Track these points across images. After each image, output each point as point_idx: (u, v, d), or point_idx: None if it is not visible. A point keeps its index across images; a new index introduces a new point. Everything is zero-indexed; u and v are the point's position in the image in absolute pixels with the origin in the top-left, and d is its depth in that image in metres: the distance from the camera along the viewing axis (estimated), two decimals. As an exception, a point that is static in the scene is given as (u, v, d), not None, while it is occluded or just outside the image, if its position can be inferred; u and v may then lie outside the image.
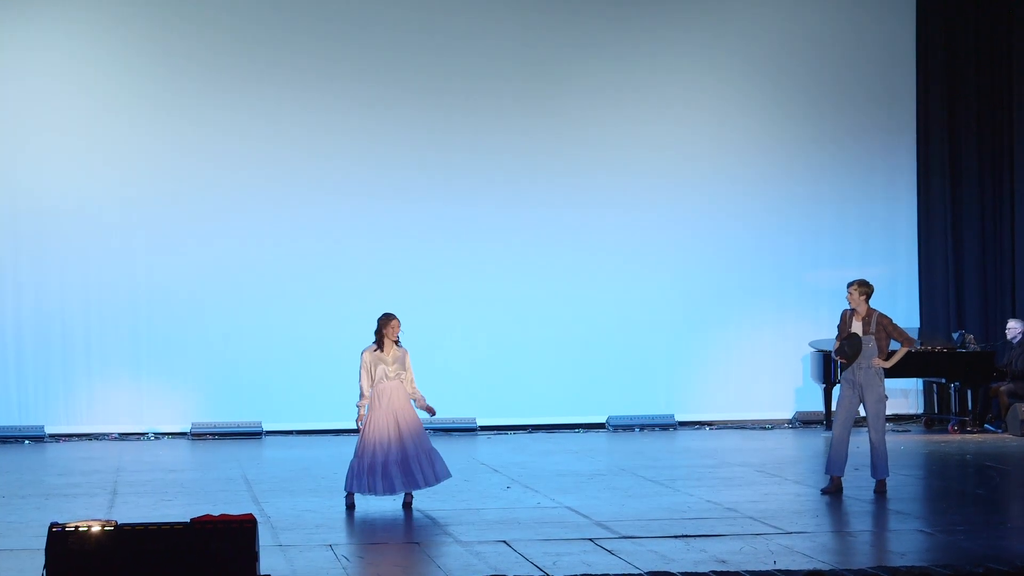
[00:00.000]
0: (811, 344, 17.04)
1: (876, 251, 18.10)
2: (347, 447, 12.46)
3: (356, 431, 11.14)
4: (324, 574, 8.43)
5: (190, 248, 16.74)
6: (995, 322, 17.91)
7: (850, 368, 11.49)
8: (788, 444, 15.83)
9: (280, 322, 16.85)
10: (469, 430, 16.92)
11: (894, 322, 11.64)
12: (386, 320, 10.93)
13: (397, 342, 10.96)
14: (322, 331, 16.60)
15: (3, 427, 16.21)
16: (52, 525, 7.48)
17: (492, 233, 17.35)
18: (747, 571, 8.24)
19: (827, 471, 11.63)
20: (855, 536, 9.86)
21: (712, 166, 17.79)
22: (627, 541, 9.30)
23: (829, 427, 15.82)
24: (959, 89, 18.15)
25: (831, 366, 16.42)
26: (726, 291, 17.75)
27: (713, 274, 17.74)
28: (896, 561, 8.65)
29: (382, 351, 10.90)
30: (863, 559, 8.90)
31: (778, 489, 11.85)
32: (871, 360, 11.43)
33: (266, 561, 8.26)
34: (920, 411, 17.97)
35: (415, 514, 10.57)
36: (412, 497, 10.90)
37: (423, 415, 11.08)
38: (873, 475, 11.54)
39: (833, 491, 11.44)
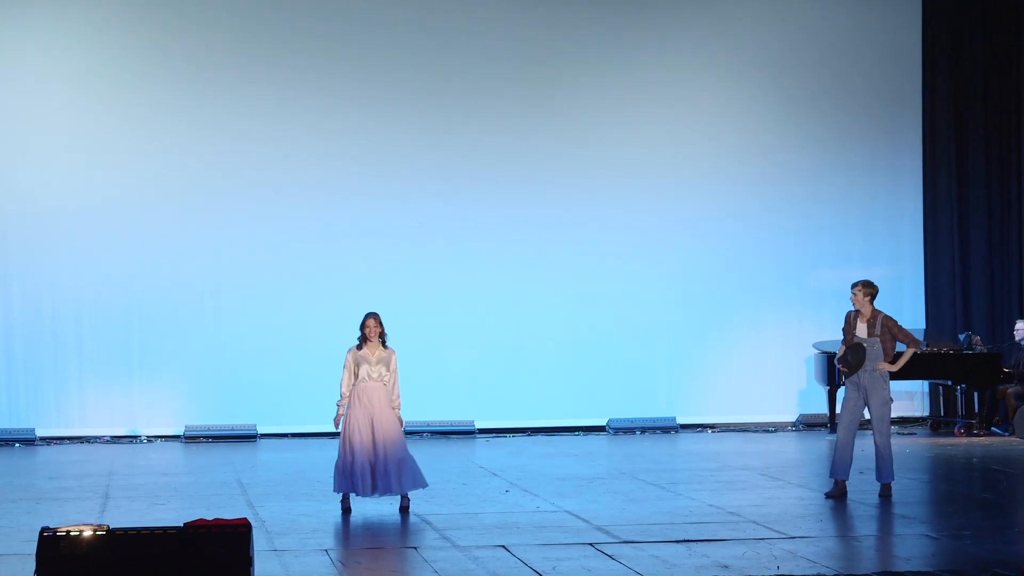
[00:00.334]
0: (815, 345, 17.04)
1: (881, 251, 18.10)
2: (343, 450, 12.45)
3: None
4: (320, 579, 8.44)
5: (183, 248, 16.74)
6: (1002, 323, 17.92)
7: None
8: (791, 447, 15.83)
9: (275, 323, 16.86)
10: (467, 433, 16.92)
11: (899, 324, 11.65)
12: (364, 319, 10.96)
13: (384, 343, 10.94)
14: (318, 332, 16.59)
15: (-7, 430, 16.25)
16: (43, 529, 7.48)
17: (491, 233, 17.35)
18: (750, 576, 8.27)
19: (831, 475, 11.64)
20: (860, 541, 9.86)
21: (713, 166, 17.80)
22: (628, 546, 9.30)
23: (833, 430, 15.82)
24: (965, 86, 18.15)
25: (835, 368, 16.42)
26: (728, 292, 17.75)
27: (715, 274, 17.75)
28: (901, 566, 8.66)
29: (366, 351, 10.91)
30: (868, 564, 8.91)
31: (781, 493, 11.86)
32: (877, 363, 11.44)
33: (260, 566, 8.26)
34: (926, 414, 17.98)
35: (412, 518, 10.58)
36: (408, 501, 10.90)
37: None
38: (878, 479, 11.55)
39: (837, 495, 11.45)
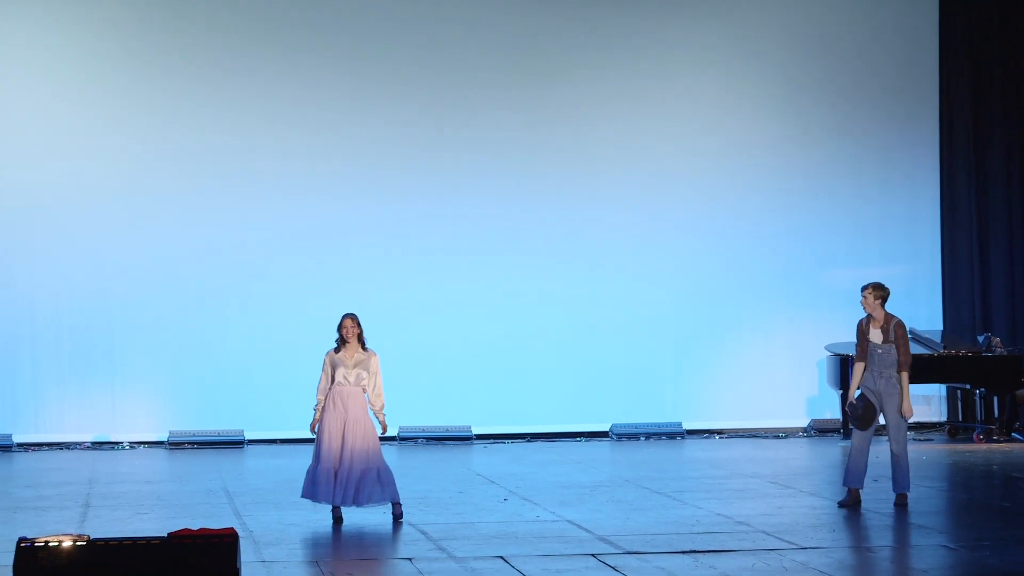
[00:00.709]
0: (828, 348, 17.03)
1: (896, 250, 18.11)
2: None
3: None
4: (310, 592, 8.44)
5: (166, 247, 16.75)
6: (1023, 324, 17.92)
7: (870, 375, 11.48)
8: (803, 454, 15.83)
9: (264, 323, 16.86)
10: (464, 439, 16.92)
11: (907, 334, 11.54)
12: (341, 320, 10.94)
13: (363, 345, 10.92)
14: (308, 334, 16.48)
15: (-31, 436, 16.25)
16: (20, 540, 7.47)
17: (488, 231, 17.36)
18: (760, 589, 8.27)
19: (845, 483, 11.63)
20: (874, 552, 9.86)
21: (716, 163, 17.80)
22: (632, 557, 9.30)
23: (847, 436, 15.82)
24: (984, 76, 18.16)
25: (849, 371, 16.40)
26: (737, 291, 17.76)
27: (723, 273, 17.76)
28: (918, 578, 8.67)
29: (343, 353, 10.88)
30: (883, 576, 8.93)
31: (792, 502, 11.86)
32: (892, 371, 11.38)
33: (248, 578, 8.27)
34: (943, 419, 18.00)
35: (406, 528, 10.57)
36: (400, 509, 10.89)
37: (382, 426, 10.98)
38: (894, 489, 11.54)
39: (851, 504, 11.44)
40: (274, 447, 16.44)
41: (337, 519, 10.79)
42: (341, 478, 10.70)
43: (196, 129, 16.82)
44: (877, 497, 11.69)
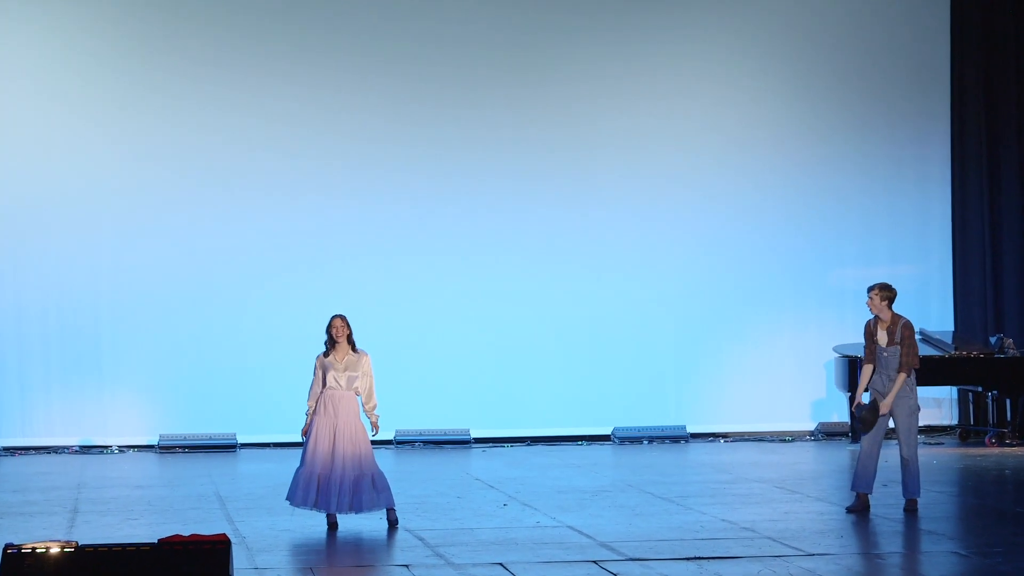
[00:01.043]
0: (835, 349, 17.04)
1: (906, 249, 18.12)
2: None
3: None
4: (304, 600, 8.46)
5: (155, 248, 16.75)
6: (1036, 326, 17.95)
7: (879, 377, 11.49)
8: (810, 458, 15.85)
9: (256, 327, 16.86)
10: (463, 442, 16.93)
11: (914, 337, 11.50)
12: (330, 321, 10.93)
13: (353, 346, 10.91)
14: (301, 336, 16.45)
15: (-47, 439, 16.26)
16: (7, 546, 7.48)
17: (487, 231, 17.37)
18: (765, 596, 8.28)
19: (853, 488, 11.64)
20: (883, 559, 9.87)
21: (720, 161, 17.80)
22: (634, 564, 9.31)
23: (855, 440, 15.83)
24: (996, 71, 18.16)
25: (857, 373, 16.42)
26: (741, 292, 17.77)
27: (727, 274, 17.76)
28: (928, 586, 8.68)
29: (333, 356, 10.88)
30: (892, 584, 8.94)
31: (799, 507, 11.87)
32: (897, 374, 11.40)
33: (241, 585, 8.28)
34: (955, 422, 18.01)
35: (403, 534, 10.58)
36: (395, 514, 10.89)
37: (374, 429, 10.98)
38: (904, 494, 11.54)
39: (859, 509, 11.45)
40: (267, 451, 16.44)
41: (332, 525, 10.80)
42: (334, 485, 10.70)
43: (186, 130, 16.81)
44: (886, 502, 11.70)
